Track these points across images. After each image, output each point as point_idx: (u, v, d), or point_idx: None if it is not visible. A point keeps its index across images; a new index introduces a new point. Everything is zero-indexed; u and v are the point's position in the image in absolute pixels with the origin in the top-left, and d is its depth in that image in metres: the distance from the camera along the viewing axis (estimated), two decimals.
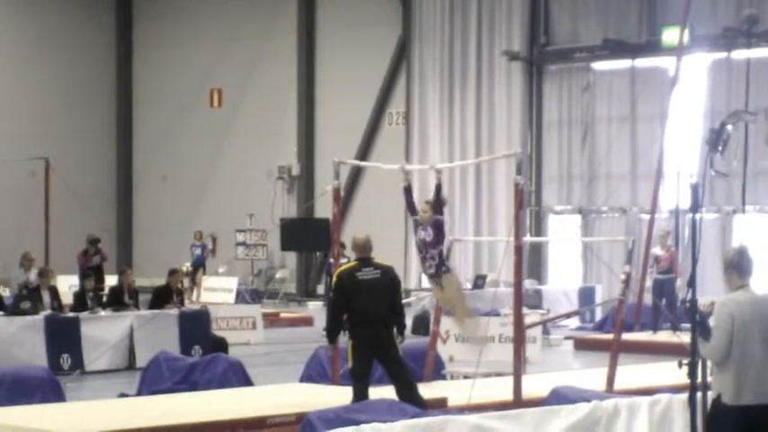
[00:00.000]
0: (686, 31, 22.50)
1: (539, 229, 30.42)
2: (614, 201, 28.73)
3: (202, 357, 16.10)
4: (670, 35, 26.06)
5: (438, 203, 13.48)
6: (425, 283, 27.25)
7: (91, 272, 22.22)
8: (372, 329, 11.85)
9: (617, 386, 14.00)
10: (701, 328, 7.89)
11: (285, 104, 35.56)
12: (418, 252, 13.49)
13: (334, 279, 12.12)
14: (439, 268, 13.28)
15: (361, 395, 11.77)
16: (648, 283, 21.93)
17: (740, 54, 25.91)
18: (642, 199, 27.53)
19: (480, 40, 31.30)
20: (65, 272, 27.32)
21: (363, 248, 12.14)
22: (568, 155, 30.19)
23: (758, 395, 7.98)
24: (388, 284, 12.03)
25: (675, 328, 19.72)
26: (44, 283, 19.27)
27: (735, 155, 22.25)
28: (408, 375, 12.15)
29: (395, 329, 12.00)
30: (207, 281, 30.51)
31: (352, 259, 12.47)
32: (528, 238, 26.01)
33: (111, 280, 23.68)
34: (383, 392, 12.03)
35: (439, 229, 13.24)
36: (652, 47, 27.95)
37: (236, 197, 35.99)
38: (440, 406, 12.46)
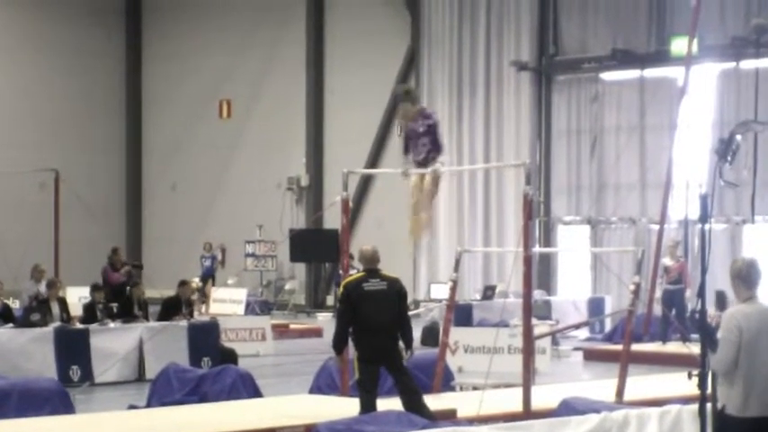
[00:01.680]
0: (695, 41, 22.46)
1: (548, 239, 30.39)
2: (623, 211, 28.68)
3: (212, 369, 16.11)
4: (679, 45, 26.03)
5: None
6: (434, 293, 27.30)
7: (103, 284, 22.20)
8: (378, 340, 11.86)
9: (626, 397, 13.98)
10: (709, 340, 7.88)
11: (294, 115, 35.60)
12: (405, 142, 13.57)
13: (341, 290, 12.15)
14: (428, 155, 13.37)
15: (368, 407, 11.75)
16: (658, 294, 21.88)
17: (749, 64, 25.90)
18: (651, 209, 27.49)
19: (489, 51, 31.32)
20: (75, 283, 27.34)
21: (371, 260, 12.16)
22: (577, 165, 30.17)
23: (764, 407, 7.96)
24: (395, 296, 12.03)
25: (685, 338, 19.71)
26: (53, 294, 19.29)
27: (744, 165, 22.24)
28: (414, 385, 12.13)
29: (401, 343, 12.01)
30: (216, 292, 30.51)
31: (360, 270, 12.47)
32: (537, 249, 25.97)
33: None
34: (392, 404, 12.03)
35: (428, 118, 13.35)
36: (661, 57, 27.94)
37: (246, 208, 36.03)
38: (449, 417, 12.46)
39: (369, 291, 11.90)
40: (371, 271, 12.08)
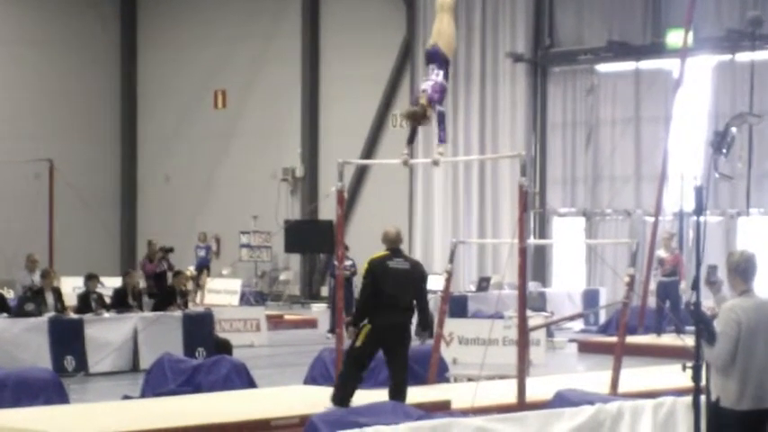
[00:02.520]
0: (690, 33, 22.45)
1: (543, 231, 30.41)
2: (618, 203, 28.71)
3: (206, 359, 16.11)
4: (674, 37, 26.05)
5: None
6: (429, 284, 27.30)
7: (95, 275, 22.18)
8: (397, 318, 11.97)
9: (621, 389, 13.99)
10: (706, 333, 7.87)
11: (289, 106, 35.57)
12: (411, 132, 13.43)
13: (365, 265, 12.28)
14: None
15: (342, 399, 11.83)
16: (653, 286, 21.91)
17: (744, 56, 25.90)
18: (646, 201, 27.51)
19: (484, 42, 31.29)
20: (69, 273, 27.33)
21: (394, 241, 12.39)
22: (572, 157, 30.18)
23: (759, 400, 7.97)
24: (417, 278, 12.25)
25: (679, 330, 19.73)
26: (47, 284, 19.28)
27: (739, 157, 22.23)
28: (405, 381, 12.17)
29: (415, 326, 12.18)
30: (211, 283, 30.50)
31: (384, 250, 12.50)
32: (532, 241, 25.99)
33: (115, 282, 23.71)
34: (385, 395, 12.04)
35: (437, 103, 13.10)
36: (656, 49, 27.94)
37: (240, 199, 36.00)
38: (444, 408, 12.48)
39: (393, 269, 12.08)
40: (395, 251, 12.28)
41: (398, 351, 12.11)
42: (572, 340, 23.05)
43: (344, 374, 12.16)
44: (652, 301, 21.84)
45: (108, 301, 19.81)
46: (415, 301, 12.22)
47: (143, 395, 14.61)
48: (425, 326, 12.30)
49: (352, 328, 12.38)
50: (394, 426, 9.18)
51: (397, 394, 11.97)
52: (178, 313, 19.32)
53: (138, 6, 39.97)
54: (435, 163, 13.86)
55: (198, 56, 37.65)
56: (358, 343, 12.08)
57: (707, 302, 7.94)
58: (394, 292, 12.01)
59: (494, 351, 15.92)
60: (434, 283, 26.01)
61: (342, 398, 12.00)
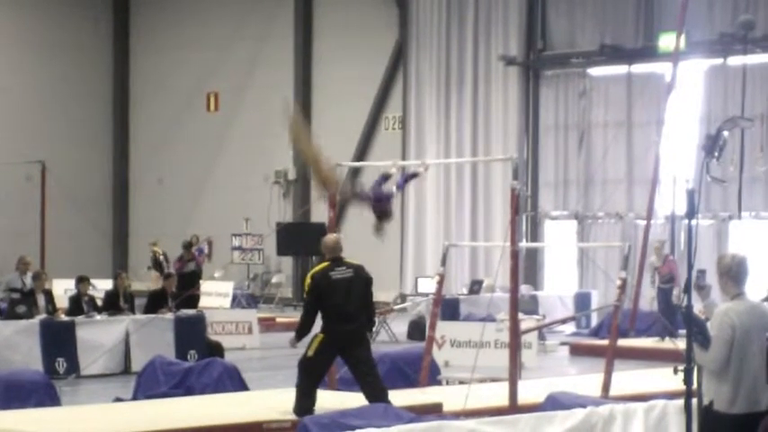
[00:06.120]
0: (682, 37, 22.44)
1: (535, 234, 30.42)
2: (610, 206, 28.74)
3: (198, 362, 16.08)
4: (666, 41, 26.08)
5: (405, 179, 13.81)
6: (421, 288, 27.39)
7: (86, 277, 22.15)
8: (348, 327, 11.99)
9: (612, 392, 13.99)
10: (701, 337, 7.87)
11: (281, 108, 35.52)
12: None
13: (308, 280, 12.20)
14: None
15: (309, 387, 11.85)
16: (652, 293, 22.03)
17: (736, 60, 25.94)
18: (638, 205, 27.53)
19: (477, 45, 31.32)
20: (61, 275, 27.28)
21: (333, 249, 12.36)
22: (565, 160, 30.20)
23: (751, 403, 7.97)
24: (362, 283, 12.20)
25: (672, 334, 19.77)
26: (38, 286, 19.25)
27: (731, 161, 22.27)
28: (378, 379, 12.16)
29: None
30: (203, 285, 30.45)
31: (324, 260, 12.52)
32: (524, 244, 26.00)
33: (107, 284, 23.68)
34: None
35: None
36: (648, 52, 27.98)
37: (233, 201, 35.98)
38: (435, 411, 12.48)
39: (337, 279, 12.04)
40: (336, 259, 12.22)
41: (357, 353, 12.09)
42: (564, 343, 23.06)
43: (302, 385, 12.13)
44: (644, 305, 21.86)
45: (99, 303, 19.78)
46: (365, 305, 12.22)
47: (135, 397, 14.60)
48: (369, 328, 12.38)
49: (296, 341, 12.35)
50: (386, 428, 9.19)
51: (374, 393, 11.91)
52: (170, 316, 19.30)
53: (130, 9, 39.95)
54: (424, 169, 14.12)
55: (190, 58, 37.63)
56: (310, 353, 12.05)
57: (696, 306, 7.94)
58: (341, 301, 11.98)
59: (485, 354, 15.92)
60: (426, 285, 26.12)
61: (304, 408, 11.95)
